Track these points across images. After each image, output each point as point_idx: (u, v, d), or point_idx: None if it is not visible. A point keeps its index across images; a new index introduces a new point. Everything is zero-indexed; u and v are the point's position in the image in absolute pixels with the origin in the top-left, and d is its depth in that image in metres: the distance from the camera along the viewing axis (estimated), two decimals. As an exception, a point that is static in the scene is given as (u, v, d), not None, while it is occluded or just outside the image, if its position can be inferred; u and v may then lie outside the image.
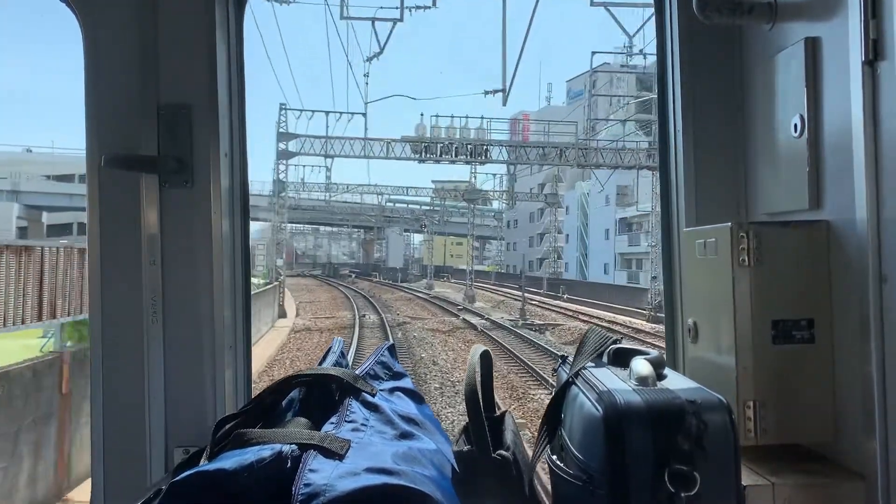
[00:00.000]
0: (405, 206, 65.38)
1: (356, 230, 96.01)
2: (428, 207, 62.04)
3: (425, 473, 0.89)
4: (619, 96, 39.17)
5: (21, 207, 45.08)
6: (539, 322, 26.68)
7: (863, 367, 1.19)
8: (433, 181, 61.73)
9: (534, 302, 34.44)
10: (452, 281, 62.57)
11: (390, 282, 60.64)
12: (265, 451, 0.85)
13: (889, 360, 1.13)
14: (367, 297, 39.26)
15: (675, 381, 1.05)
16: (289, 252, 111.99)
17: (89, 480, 1.66)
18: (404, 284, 56.75)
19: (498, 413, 1.27)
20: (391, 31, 24.34)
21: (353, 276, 68.27)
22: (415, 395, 1.16)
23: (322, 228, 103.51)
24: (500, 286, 50.69)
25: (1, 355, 9.27)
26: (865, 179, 1.16)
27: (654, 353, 1.13)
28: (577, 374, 1.14)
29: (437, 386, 14.70)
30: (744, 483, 1.02)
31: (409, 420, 1.05)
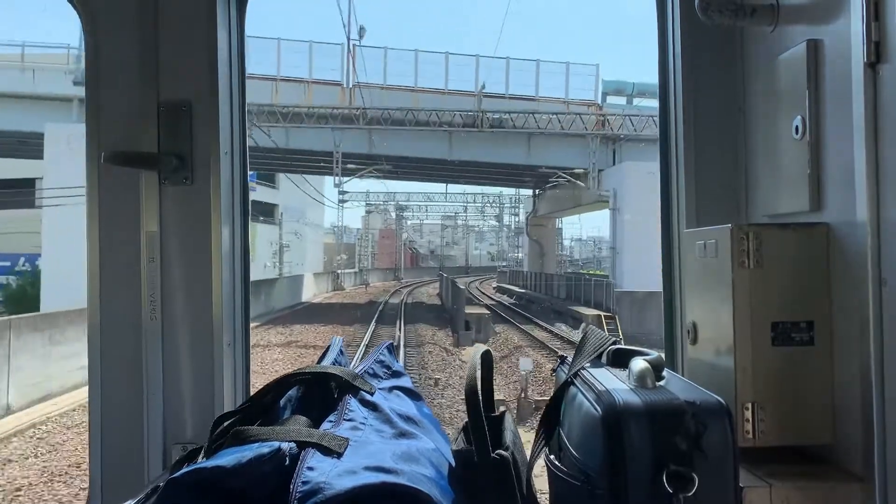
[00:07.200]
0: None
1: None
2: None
3: (424, 472, 0.89)
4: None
5: None
6: None
7: (862, 369, 1.19)
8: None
9: None
10: None
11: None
12: (263, 449, 0.85)
13: (888, 362, 1.13)
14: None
15: (674, 383, 1.05)
16: (392, 250, 66.75)
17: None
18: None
19: (497, 413, 1.27)
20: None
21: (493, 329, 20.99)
22: (413, 394, 1.15)
23: (459, 218, 62.60)
24: None
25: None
26: (866, 182, 1.16)
27: (653, 353, 1.13)
28: (575, 375, 1.14)
29: None
30: (742, 485, 1.02)
31: (407, 419, 1.05)
